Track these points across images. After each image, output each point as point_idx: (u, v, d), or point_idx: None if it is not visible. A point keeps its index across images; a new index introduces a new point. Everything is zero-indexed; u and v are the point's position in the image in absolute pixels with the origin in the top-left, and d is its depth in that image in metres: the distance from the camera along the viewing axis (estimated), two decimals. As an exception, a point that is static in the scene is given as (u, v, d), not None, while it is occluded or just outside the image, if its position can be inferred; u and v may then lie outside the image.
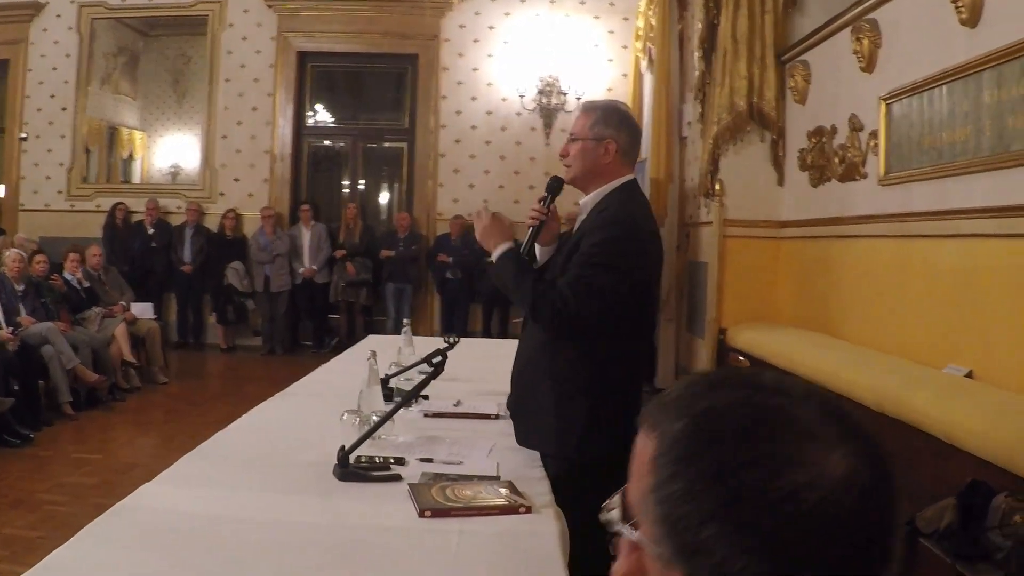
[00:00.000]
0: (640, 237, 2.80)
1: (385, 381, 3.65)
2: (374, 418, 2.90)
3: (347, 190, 12.09)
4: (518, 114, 11.27)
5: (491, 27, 11.32)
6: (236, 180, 11.31)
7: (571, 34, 11.28)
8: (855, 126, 6.00)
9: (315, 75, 11.70)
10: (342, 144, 12.04)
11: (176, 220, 11.16)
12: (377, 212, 12.39)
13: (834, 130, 6.42)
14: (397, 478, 2.55)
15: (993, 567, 3.25)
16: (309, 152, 11.88)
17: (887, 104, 5.49)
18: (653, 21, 9.60)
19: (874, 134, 5.68)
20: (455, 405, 3.54)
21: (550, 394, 2.82)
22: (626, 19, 11.21)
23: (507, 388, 3.60)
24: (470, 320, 10.91)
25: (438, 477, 2.55)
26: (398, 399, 3.11)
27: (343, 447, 2.58)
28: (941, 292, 4.78)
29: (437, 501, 2.32)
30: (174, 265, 10.81)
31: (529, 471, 2.71)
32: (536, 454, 2.89)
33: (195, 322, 11.07)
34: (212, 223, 11.15)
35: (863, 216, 5.86)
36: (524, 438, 2.95)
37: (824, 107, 6.63)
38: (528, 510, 2.33)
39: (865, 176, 5.88)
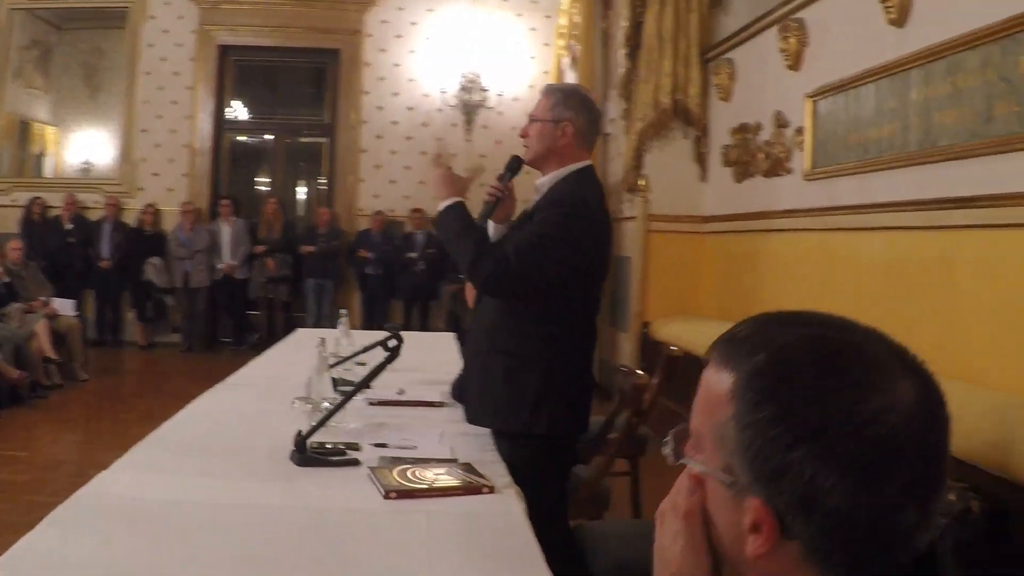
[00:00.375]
0: (590, 216, 2.82)
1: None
2: (325, 404, 2.88)
3: (267, 185, 11.92)
4: (440, 110, 11.25)
5: (413, 23, 11.27)
6: (155, 175, 11.05)
7: (493, 31, 11.30)
8: (781, 123, 6.14)
9: (236, 69, 11.49)
10: (262, 139, 11.88)
11: (94, 215, 10.85)
12: (297, 208, 12.25)
13: (759, 127, 6.56)
14: (355, 463, 2.53)
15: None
16: (229, 147, 11.67)
17: (813, 101, 5.63)
18: (576, 19, 9.68)
19: (800, 131, 5.83)
20: (399, 393, 3.51)
21: (501, 369, 2.84)
22: (548, 17, 11.28)
23: (446, 377, 3.63)
24: (391, 315, 10.85)
25: (396, 461, 2.53)
26: (346, 387, 3.08)
27: (300, 432, 2.55)
28: (866, 283, 4.92)
29: (400, 483, 2.31)
30: (92, 261, 10.51)
31: (483, 454, 2.71)
32: (488, 438, 2.90)
33: (113, 319, 10.79)
34: (131, 218, 10.86)
35: (788, 210, 6.01)
36: (475, 416, 2.96)
37: (749, 104, 6.76)
38: (491, 490, 2.34)
39: (790, 171, 6.02)
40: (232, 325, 11.03)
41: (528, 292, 2.77)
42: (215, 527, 2.00)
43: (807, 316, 0.93)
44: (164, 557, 1.78)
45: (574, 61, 10.18)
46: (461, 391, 3.25)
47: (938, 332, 4.26)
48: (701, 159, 7.71)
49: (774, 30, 6.13)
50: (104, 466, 5.24)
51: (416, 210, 10.88)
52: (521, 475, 2.49)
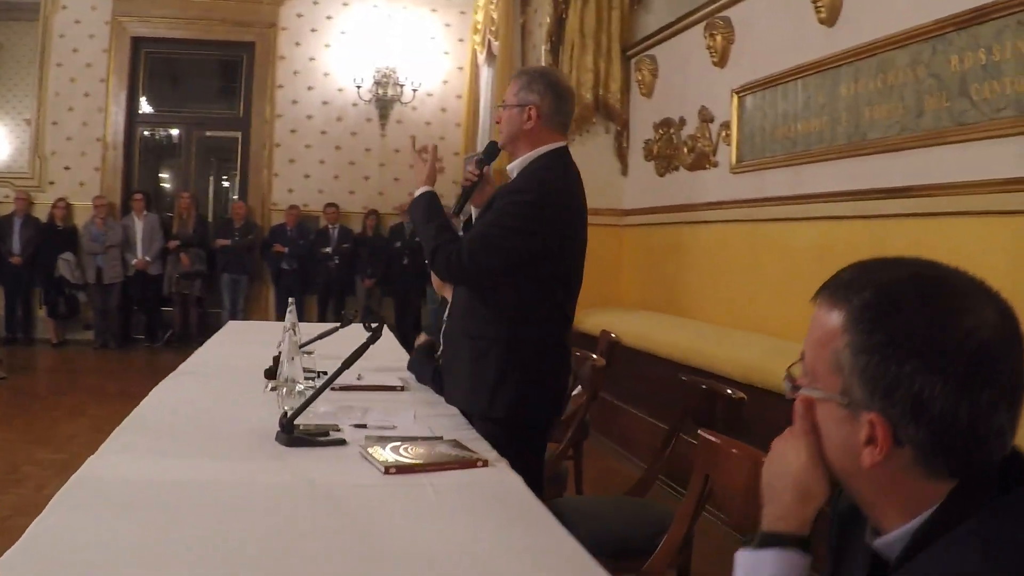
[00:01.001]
0: (547, 201, 2.82)
1: (276, 358, 3.63)
2: (299, 388, 2.90)
3: (180, 180, 11.68)
4: (354, 105, 11.22)
5: (329, 17, 11.21)
6: (67, 168, 10.74)
7: (408, 26, 11.33)
8: (705, 118, 6.32)
9: (149, 61, 11.23)
10: (175, 132, 11.63)
11: (3, 210, 10.49)
12: (211, 202, 12.07)
13: (683, 122, 6.73)
14: (342, 442, 2.54)
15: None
16: (141, 140, 11.43)
17: (739, 97, 5.81)
18: (495, 15, 9.74)
19: (726, 125, 6.00)
20: (358, 379, 3.51)
21: (468, 352, 2.91)
22: (463, 13, 11.34)
23: (394, 364, 3.69)
24: (306, 310, 10.76)
25: (384, 439, 2.55)
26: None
27: (285, 413, 2.56)
28: (797, 270, 5.11)
29: (397, 459, 2.33)
30: (2, 257, 10.18)
31: (463, 432, 2.76)
32: (461, 417, 2.95)
33: (24, 316, 10.47)
34: (42, 213, 10.54)
35: (714, 202, 6.18)
36: (450, 396, 3.05)
37: (672, 100, 6.93)
38: (485, 464, 2.38)
39: (716, 165, 6.20)
40: (145, 321, 10.82)
41: (483, 281, 2.84)
42: (224, 505, 1.99)
43: (900, 259, 1.10)
44: (179, 535, 1.77)
45: (490, 57, 10.25)
46: (434, 373, 3.30)
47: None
48: (622, 154, 7.85)
49: (699, 28, 6.30)
50: (41, 463, 5.10)
51: (330, 205, 10.82)
52: (511, 458, 2.51)
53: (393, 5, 11.24)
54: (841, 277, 1.11)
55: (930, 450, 1.00)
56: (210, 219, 11.45)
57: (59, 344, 10.37)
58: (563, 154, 2.99)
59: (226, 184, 12.09)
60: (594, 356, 3.87)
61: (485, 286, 2.87)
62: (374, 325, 2.89)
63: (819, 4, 4.82)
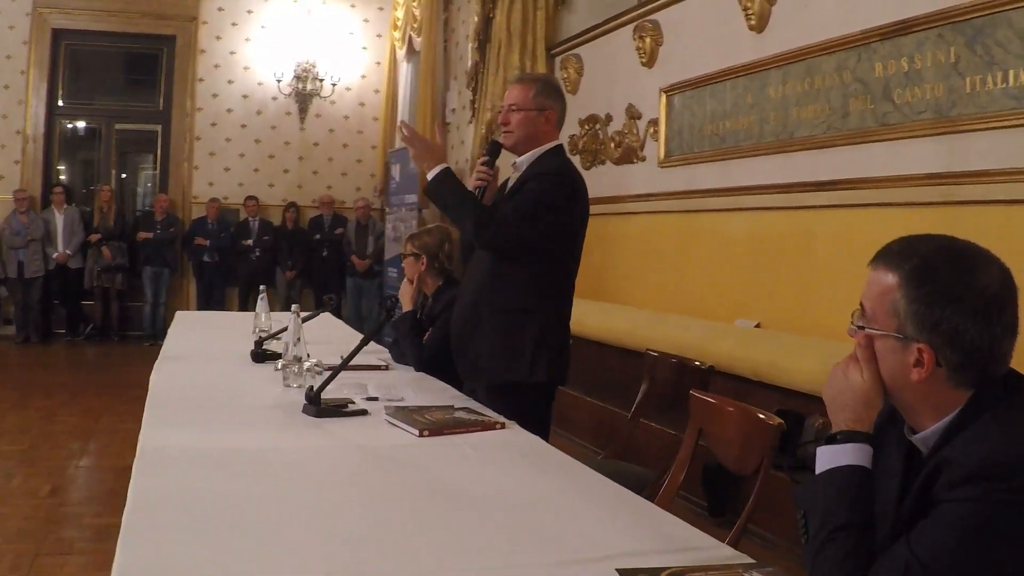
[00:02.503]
0: (573, 185, 3.16)
1: (259, 343, 3.84)
2: (307, 365, 3.14)
3: (100, 173, 11.56)
4: (274, 99, 11.32)
5: (250, 11, 11.27)
6: (-15, 162, 10.55)
7: (328, 21, 11.46)
8: (633, 115, 6.68)
9: (70, 54, 11.08)
10: (95, 125, 11.48)
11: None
12: (131, 195, 11.98)
13: (609, 118, 7.08)
14: (365, 412, 2.78)
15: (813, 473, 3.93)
16: (61, 133, 11.28)
17: (668, 96, 6.19)
18: (416, 12, 9.97)
19: (654, 122, 6.37)
20: (341, 359, 3.70)
21: (499, 324, 3.13)
22: (381, 9, 11.55)
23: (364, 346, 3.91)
24: (227, 302, 10.83)
25: (404, 409, 2.79)
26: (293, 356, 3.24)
27: (311, 387, 2.78)
28: (728, 258, 5.51)
29: (430, 423, 2.59)
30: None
31: (466, 402, 3.02)
32: (451, 390, 3.22)
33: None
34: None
35: (642, 195, 6.55)
36: (472, 371, 3.25)
37: (598, 97, 7.27)
38: (503, 426, 2.67)
39: (644, 159, 6.57)
40: (66, 315, 10.70)
41: (525, 250, 3.08)
42: (290, 466, 2.20)
43: (931, 235, 1.51)
44: (266, 493, 1.94)
45: (411, 52, 10.47)
46: (434, 351, 3.55)
47: (799, 297, 4.91)
48: (546, 148, 8.16)
49: (628, 30, 6.65)
50: (2, 454, 5.16)
51: (251, 198, 10.89)
52: (520, 421, 2.79)
53: (312, 0, 11.33)
54: (892, 248, 1.50)
55: (960, 368, 1.42)
56: (131, 212, 11.35)
57: (-23, 339, 10.20)
58: (563, 149, 3.33)
59: (146, 176, 11.96)
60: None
61: (516, 259, 3.10)
62: (389, 304, 3.18)
63: (749, 12, 5.22)
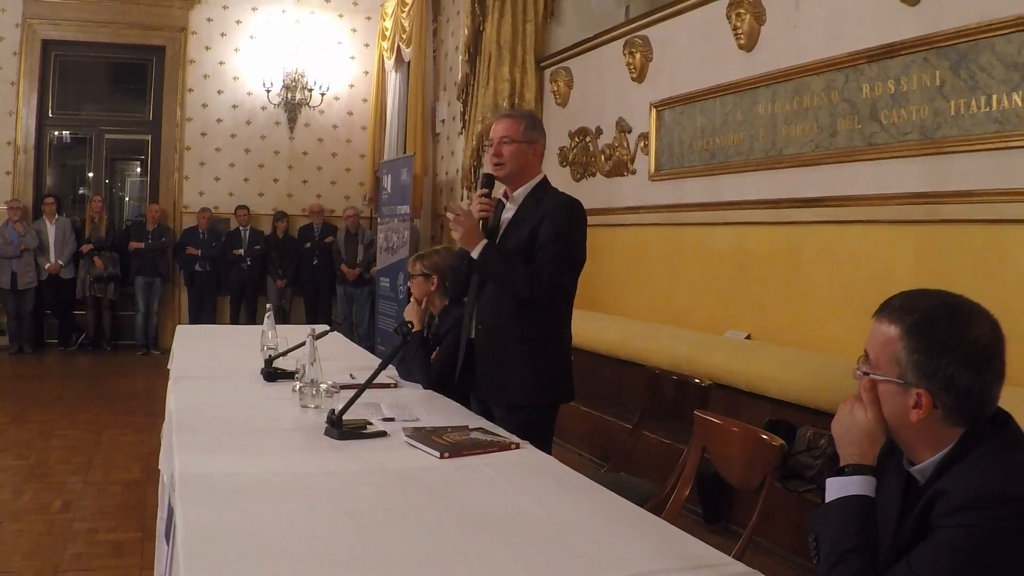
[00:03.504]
0: (583, 216, 3.40)
1: (269, 362, 3.96)
2: (323, 387, 3.26)
3: (90, 183, 11.60)
4: (263, 108, 11.41)
5: (238, 21, 11.35)
6: (-24, 173, 10.60)
7: (316, 31, 11.58)
8: (623, 128, 6.83)
9: (59, 65, 11.14)
10: (86, 136, 11.51)
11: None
12: (122, 205, 12.04)
13: (599, 131, 7.23)
14: (384, 434, 2.91)
15: (805, 482, 4.10)
16: (52, 144, 11.33)
17: (657, 110, 6.34)
18: (405, 23, 10.09)
19: (644, 136, 6.52)
20: (352, 378, 3.82)
21: (527, 353, 3.32)
22: (369, 18, 11.67)
23: (363, 363, 4.05)
24: (218, 312, 10.92)
25: (421, 430, 2.91)
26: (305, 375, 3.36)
27: (332, 410, 2.90)
28: (717, 270, 5.67)
29: (447, 444, 2.71)
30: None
31: (478, 421, 3.15)
32: (462, 409, 3.36)
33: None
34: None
35: (632, 207, 6.70)
36: (502, 395, 3.39)
37: (588, 110, 7.41)
38: (518, 446, 2.80)
39: (634, 172, 6.72)
40: (58, 325, 10.77)
41: (569, 293, 3.37)
42: (323, 489, 2.31)
43: (928, 291, 1.69)
44: (304, 515, 2.07)
45: (399, 62, 10.59)
46: (440, 370, 3.68)
47: (786, 309, 5.07)
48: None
49: (618, 45, 6.80)
50: (8, 469, 5.26)
51: (241, 207, 10.98)
52: (537, 438, 2.94)
53: (301, 10, 11.46)
54: (893, 303, 1.69)
55: (954, 410, 1.60)
56: (120, 222, 11.42)
57: (-29, 351, 10.25)
58: (548, 180, 3.54)
59: (134, 185, 12.03)
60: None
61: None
62: (404, 331, 3.33)
63: (738, 31, 5.38)
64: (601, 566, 1.80)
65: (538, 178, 3.47)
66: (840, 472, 1.67)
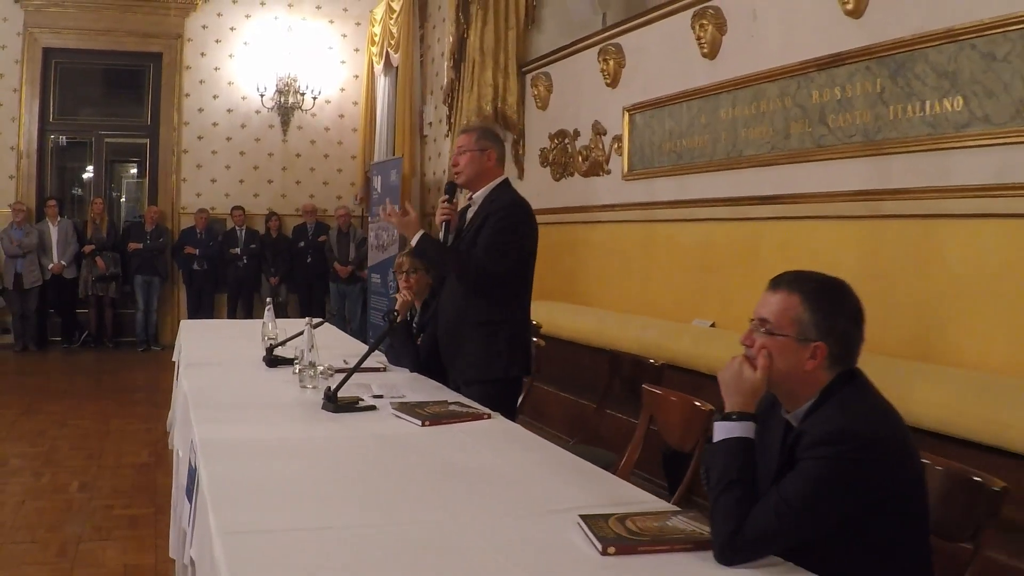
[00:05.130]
0: (528, 214, 3.83)
1: (271, 350, 4.35)
2: (321, 368, 3.67)
3: (91, 186, 12.00)
4: (257, 112, 11.84)
5: (232, 28, 11.77)
6: (-20, 177, 10.99)
7: (307, 37, 12.00)
8: (599, 131, 7.23)
9: (60, 72, 11.52)
10: (86, 140, 11.91)
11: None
12: (121, 207, 12.46)
13: (577, 133, 7.63)
14: (374, 408, 3.31)
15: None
16: (53, 148, 11.71)
17: (630, 114, 6.74)
18: (393, 29, 10.48)
19: (618, 138, 6.93)
20: (344, 363, 4.21)
21: (479, 335, 3.75)
22: (358, 24, 12.09)
23: (354, 351, 4.44)
24: (216, 308, 11.31)
25: (407, 404, 3.32)
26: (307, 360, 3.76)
27: (328, 388, 3.30)
28: (685, 264, 6.07)
29: (430, 415, 3.12)
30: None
31: (456, 397, 3.56)
32: (444, 388, 3.78)
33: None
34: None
35: (608, 205, 7.11)
36: (461, 372, 3.84)
37: (567, 113, 7.82)
38: (489, 416, 3.21)
39: (609, 172, 7.12)
40: (61, 324, 11.15)
41: (501, 282, 3.73)
42: (326, 452, 2.72)
43: (810, 271, 2.08)
44: (317, 472, 2.50)
45: (388, 67, 10.99)
46: (426, 355, 4.09)
47: (747, 299, 5.34)
48: (518, 159, 8.69)
49: (593, 52, 7.20)
50: (26, 455, 5.63)
51: (237, 208, 11.38)
52: (499, 410, 3.36)
53: (292, 17, 11.88)
54: (786, 278, 2.08)
55: (840, 358, 2.00)
56: (120, 223, 11.82)
57: (-23, 348, 10.63)
58: (509, 182, 3.97)
59: (132, 187, 12.41)
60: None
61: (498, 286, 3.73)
62: (390, 318, 3.75)
63: (702, 41, 5.77)
64: (548, 504, 2.20)
65: (498, 180, 3.87)
66: (727, 418, 2.02)
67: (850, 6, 4.70)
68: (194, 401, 3.41)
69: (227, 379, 3.97)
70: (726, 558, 1.83)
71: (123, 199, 12.75)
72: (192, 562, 2.41)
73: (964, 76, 4.15)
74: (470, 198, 3.92)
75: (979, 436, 3.44)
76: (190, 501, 2.72)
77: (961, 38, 4.15)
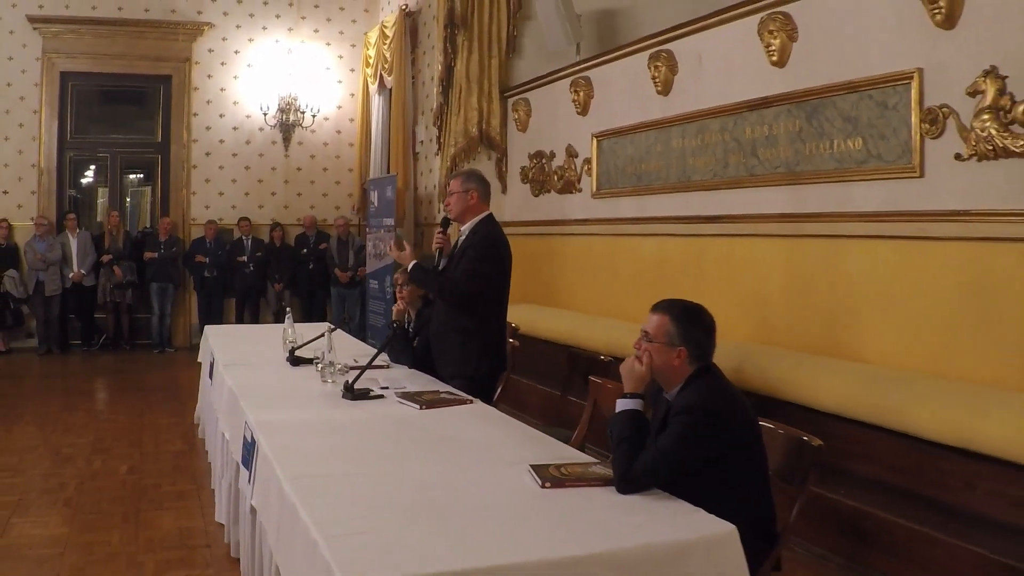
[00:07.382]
0: (501, 247, 4.74)
1: (293, 352, 5.25)
2: (339, 366, 4.57)
3: (107, 200, 12.83)
4: (261, 129, 12.75)
5: (236, 51, 12.67)
6: (5, 192, 11.87)
7: (306, 58, 12.93)
8: (571, 153, 8.14)
9: (77, 94, 12.32)
10: (102, 157, 12.74)
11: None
12: (135, 219, 13.28)
13: (552, 154, 8.54)
14: (382, 396, 4.22)
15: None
16: (71, 164, 12.54)
17: (598, 140, 7.65)
18: (387, 54, 11.37)
19: (587, 161, 7.84)
20: (355, 362, 5.07)
21: (457, 340, 4.69)
22: (354, 46, 13.01)
23: (361, 352, 5.34)
24: (225, 313, 12.19)
25: (408, 393, 4.23)
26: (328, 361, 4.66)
27: (347, 381, 4.21)
28: (645, 273, 6.99)
29: (425, 401, 4.03)
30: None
31: (447, 388, 4.46)
32: (435, 381, 4.67)
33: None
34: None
35: (579, 220, 8.03)
36: (440, 366, 4.79)
37: (544, 136, 8.73)
38: (472, 401, 4.12)
39: (580, 190, 8.04)
40: (81, 328, 11.97)
41: (475, 302, 4.65)
42: (357, 430, 3.60)
43: (679, 299, 2.99)
44: (354, 444, 3.40)
45: (382, 87, 11.88)
46: (421, 354, 5.00)
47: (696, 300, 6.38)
48: (502, 176, 9.59)
49: (566, 83, 8.11)
50: (74, 446, 6.50)
51: (243, 218, 12.28)
52: (479, 398, 4.27)
53: (292, 40, 12.78)
54: (663, 304, 2.98)
55: (696, 358, 2.93)
56: (133, 233, 12.64)
57: (6, 352, 11.46)
58: (492, 217, 4.87)
59: (147, 201, 13.21)
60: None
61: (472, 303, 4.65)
62: (395, 325, 4.66)
63: (656, 79, 6.69)
64: (510, 459, 3.10)
65: (482, 215, 4.78)
66: (625, 396, 2.92)
67: (775, 57, 5.60)
68: (241, 393, 4.31)
69: (261, 376, 4.86)
70: (623, 489, 2.73)
71: (138, 212, 13.55)
72: (253, 509, 3.34)
73: (863, 121, 5.01)
74: (460, 230, 4.84)
75: (873, 419, 4.25)
76: (247, 468, 3.62)
77: (861, 89, 5.02)
